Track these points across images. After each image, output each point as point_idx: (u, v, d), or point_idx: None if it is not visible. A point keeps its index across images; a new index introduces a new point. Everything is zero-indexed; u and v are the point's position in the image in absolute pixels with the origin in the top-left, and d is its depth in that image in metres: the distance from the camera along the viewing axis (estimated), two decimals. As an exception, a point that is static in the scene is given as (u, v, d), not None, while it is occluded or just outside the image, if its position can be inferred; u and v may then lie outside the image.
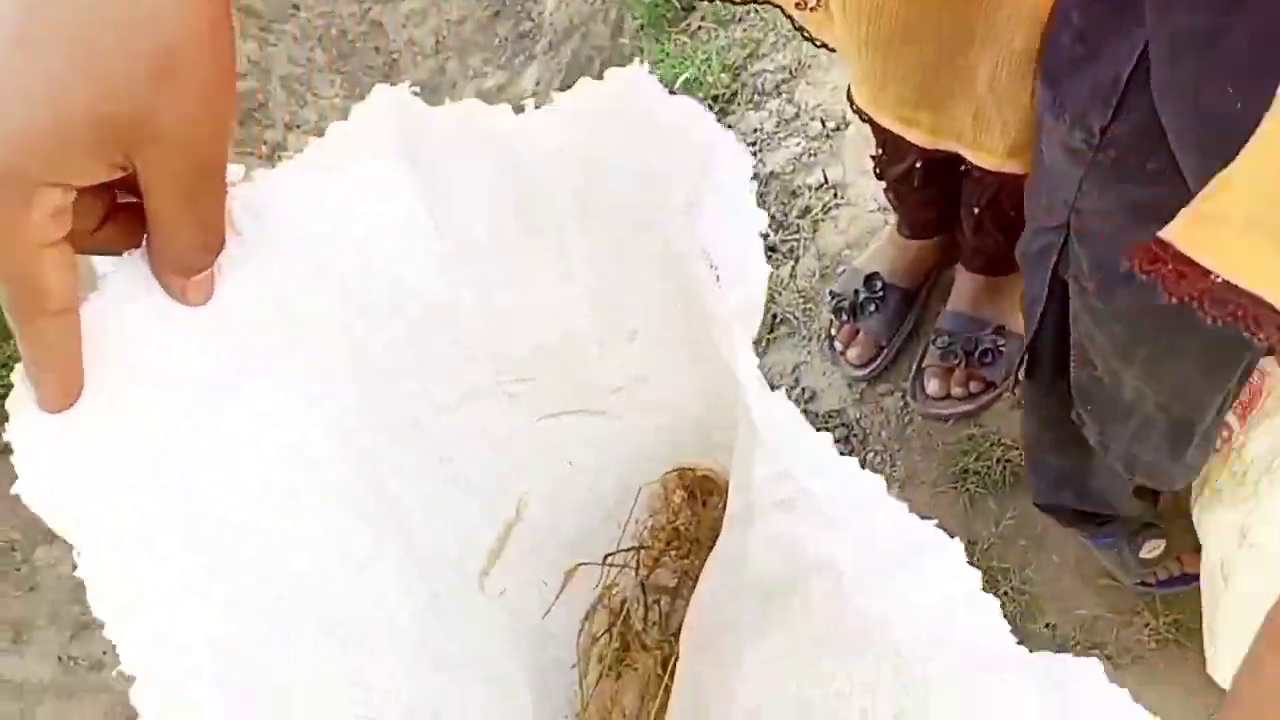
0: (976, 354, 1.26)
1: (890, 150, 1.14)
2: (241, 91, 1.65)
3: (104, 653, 1.14)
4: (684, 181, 0.33)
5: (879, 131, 1.05)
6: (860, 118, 1.03)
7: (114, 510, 0.30)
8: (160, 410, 0.32)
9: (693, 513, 0.67)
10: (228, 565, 0.33)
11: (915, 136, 0.96)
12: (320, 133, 0.34)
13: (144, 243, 0.31)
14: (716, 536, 0.65)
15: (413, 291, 0.39)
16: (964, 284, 1.29)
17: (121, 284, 0.31)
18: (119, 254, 0.31)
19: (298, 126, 1.67)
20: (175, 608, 0.31)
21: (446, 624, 0.50)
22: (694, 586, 0.68)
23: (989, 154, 0.91)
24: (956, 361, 1.27)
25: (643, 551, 0.66)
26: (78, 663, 1.15)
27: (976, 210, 1.11)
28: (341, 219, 0.35)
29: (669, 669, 0.64)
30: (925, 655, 0.33)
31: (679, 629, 0.66)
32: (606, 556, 0.66)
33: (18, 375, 0.28)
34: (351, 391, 0.38)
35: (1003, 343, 1.26)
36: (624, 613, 0.66)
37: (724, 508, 0.67)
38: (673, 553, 0.67)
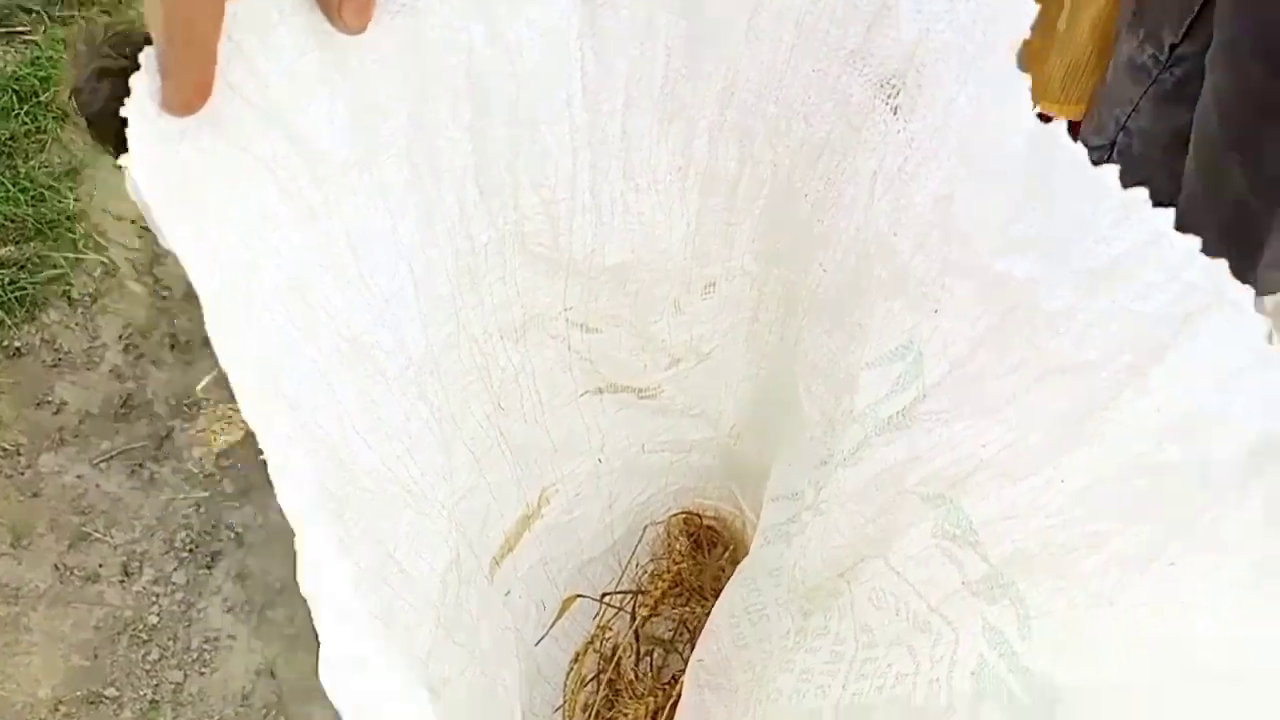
0: None
1: None
2: None
3: (100, 565, 1.12)
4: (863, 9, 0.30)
5: None
6: None
7: (222, 252, 0.26)
8: (281, 166, 0.27)
9: (696, 561, 0.64)
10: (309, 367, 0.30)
11: None
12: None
13: None
14: (718, 588, 0.62)
15: (535, 155, 0.34)
16: None
17: None
18: None
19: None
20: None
21: (461, 596, 0.46)
22: (690, 638, 0.64)
23: (1075, 105, 0.94)
24: None
25: (640, 596, 0.63)
26: (73, 573, 1.12)
27: None
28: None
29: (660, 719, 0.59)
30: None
31: (671, 680, 0.62)
32: (604, 595, 0.63)
33: (146, 56, 0.24)
34: (434, 248, 0.35)
35: None
36: (616, 660, 0.61)
37: (728, 558, 0.65)
38: (671, 599, 0.64)
